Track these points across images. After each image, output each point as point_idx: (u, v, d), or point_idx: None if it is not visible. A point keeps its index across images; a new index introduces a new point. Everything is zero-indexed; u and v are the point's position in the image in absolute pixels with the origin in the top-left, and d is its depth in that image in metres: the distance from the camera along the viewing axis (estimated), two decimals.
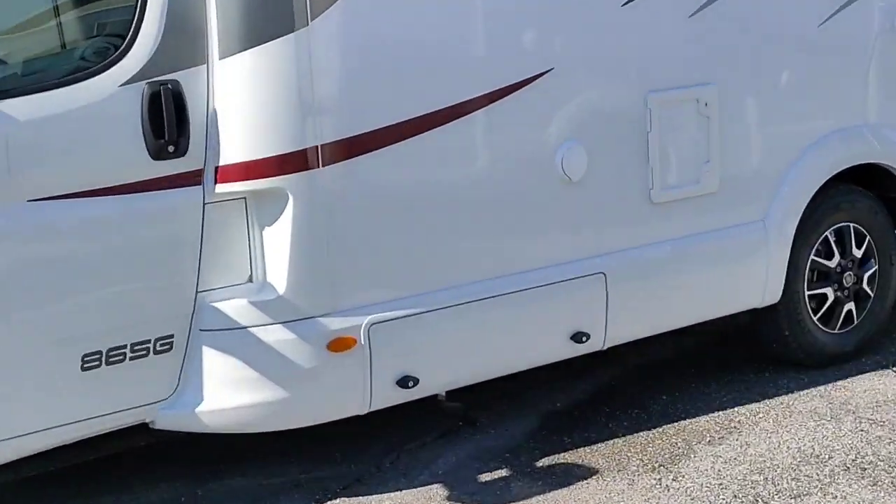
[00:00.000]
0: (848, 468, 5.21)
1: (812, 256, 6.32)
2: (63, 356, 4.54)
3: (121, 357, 4.63)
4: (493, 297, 5.23)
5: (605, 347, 5.62)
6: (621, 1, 5.40)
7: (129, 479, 5.42)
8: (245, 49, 4.62)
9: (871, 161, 6.37)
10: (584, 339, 5.50)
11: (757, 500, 4.98)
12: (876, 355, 6.51)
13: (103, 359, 4.61)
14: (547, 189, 5.32)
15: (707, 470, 5.27)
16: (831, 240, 6.40)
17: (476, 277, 5.20)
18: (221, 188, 4.69)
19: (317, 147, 4.73)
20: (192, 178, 4.63)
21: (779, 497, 4.98)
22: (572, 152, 5.33)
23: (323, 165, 4.72)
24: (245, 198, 4.74)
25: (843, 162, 6.23)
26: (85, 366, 4.59)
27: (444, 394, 5.38)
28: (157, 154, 4.56)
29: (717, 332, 6.67)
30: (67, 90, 4.46)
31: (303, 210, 4.73)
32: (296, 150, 4.69)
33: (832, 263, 6.42)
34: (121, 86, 4.50)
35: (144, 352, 4.68)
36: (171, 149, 4.57)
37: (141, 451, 5.25)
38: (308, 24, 4.64)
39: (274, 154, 4.68)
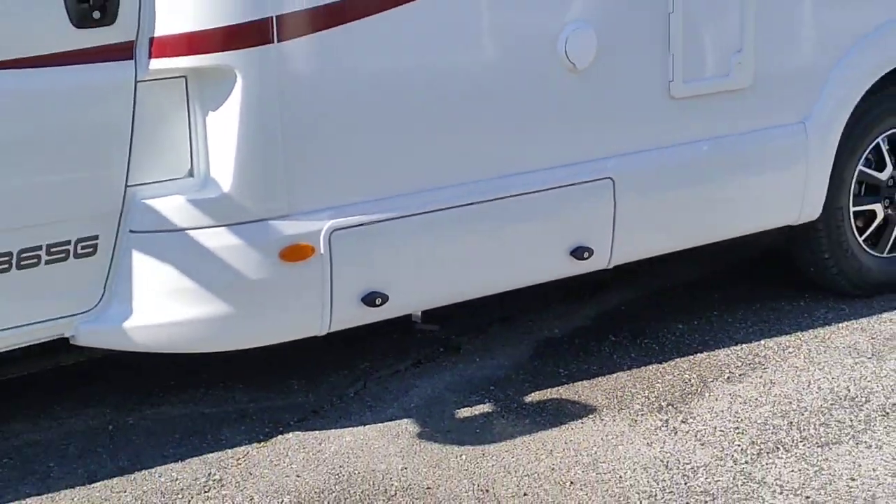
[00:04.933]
0: (887, 413, 5.14)
1: (860, 167, 6.19)
2: None
3: (34, 260, 4.49)
4: (478, 202, 5.11)
5: (610, 266, 5.50)
6: None
7: (50, 402, 5.33)
8: None
9: None
10: (586, 255, 5.39)
11: (777, 448, 4.90)
12: None
13: (13, 262, 4.46)
14: (547, 78, 5.15)
15: (723, 411, 5.20)
16: (884, 148, 6.27)
17: (459, 180, 5.07)
18: (157, 64, 4.51)
19: (273, 18, 4.56)
20: (121, 51, 4.45)
21: (803, 444, 4.92)
22: (579, 35, 5.16)
23: (280, 40, 4.56)
24: (185, 76, 4.56)
25: None
26: None
27: (419, 314, 5.31)
28: (80, 21, 4.38)
29: (747, 253, 6.77)
30: None
31: (254, 93, 4.55)
32: (248, 21, 4.53)
33: (883, 176, 6.28)
34: None
35: (63, 255, 4.54)
36: (96, 14, 4.38)
37: (66, 372, 5.27)
38: None
39: (222, 25, 4.52)
